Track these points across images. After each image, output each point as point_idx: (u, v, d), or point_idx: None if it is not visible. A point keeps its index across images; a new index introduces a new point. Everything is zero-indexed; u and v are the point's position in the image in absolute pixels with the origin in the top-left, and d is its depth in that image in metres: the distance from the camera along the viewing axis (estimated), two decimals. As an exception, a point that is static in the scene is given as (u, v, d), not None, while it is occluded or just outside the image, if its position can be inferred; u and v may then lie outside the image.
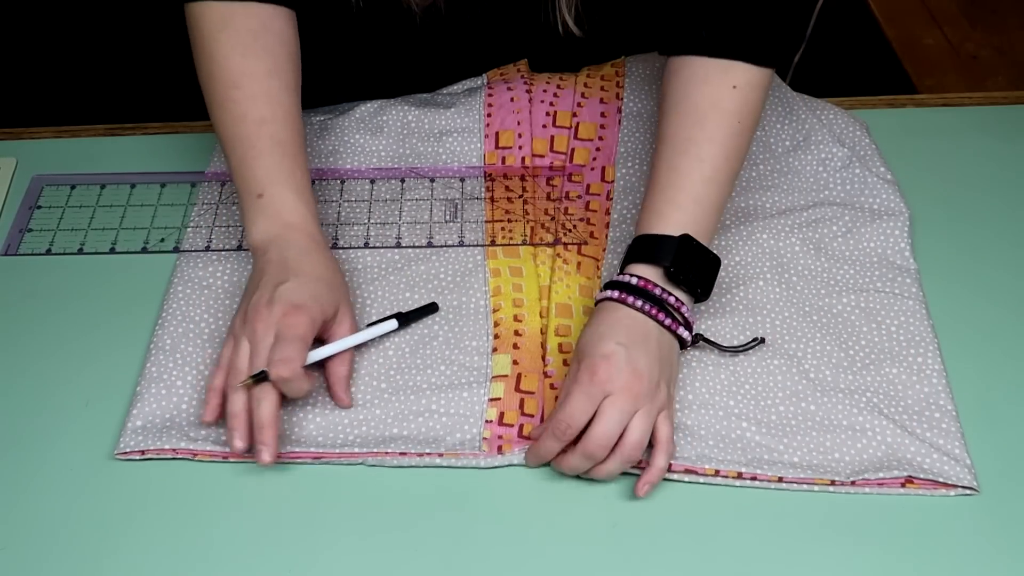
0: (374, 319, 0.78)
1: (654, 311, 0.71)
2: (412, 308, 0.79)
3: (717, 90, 0.75)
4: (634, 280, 0.72)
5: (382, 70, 0.98)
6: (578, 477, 0.70)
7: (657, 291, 0.72)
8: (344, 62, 0.87)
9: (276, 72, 0.78)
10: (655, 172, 0.76)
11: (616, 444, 0.67)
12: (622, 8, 0.87)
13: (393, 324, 0.77)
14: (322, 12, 0.83)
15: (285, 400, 0.73)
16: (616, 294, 0.72)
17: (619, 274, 0.74)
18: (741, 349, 0.76)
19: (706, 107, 0.75)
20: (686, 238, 0.73)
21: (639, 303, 0.71)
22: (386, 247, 0.84)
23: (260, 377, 0.69)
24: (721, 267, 0.80)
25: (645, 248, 0.74)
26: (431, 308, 0.79)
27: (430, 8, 0.83)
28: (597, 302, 0.74)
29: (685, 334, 0.72)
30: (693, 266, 0.73)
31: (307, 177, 0.78)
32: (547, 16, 0.82)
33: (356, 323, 0.76)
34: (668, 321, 0.71)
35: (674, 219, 0.74)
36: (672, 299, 0.72)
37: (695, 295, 0.74)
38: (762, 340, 0.77)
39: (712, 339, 0.76)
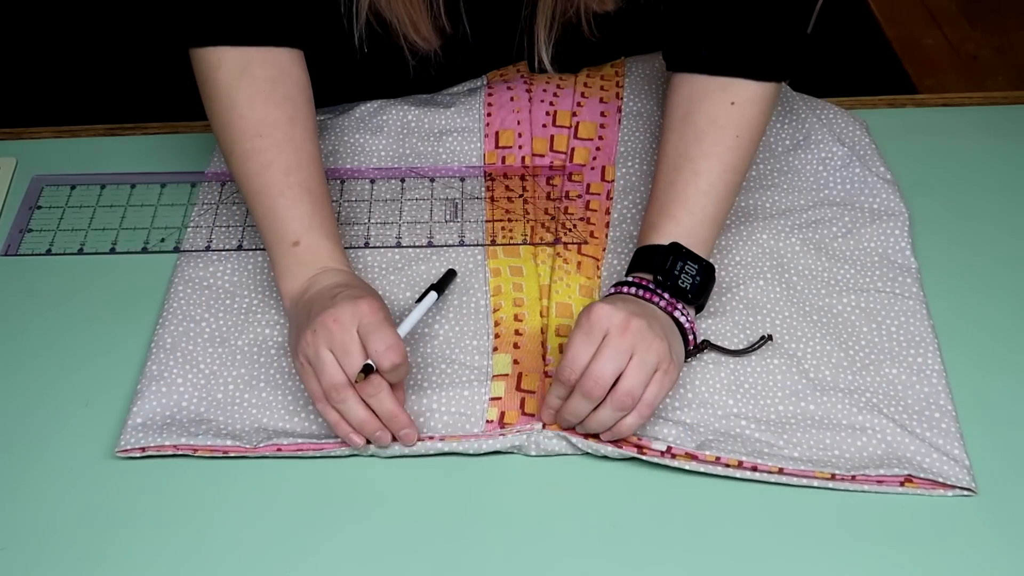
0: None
1: (647, 295, 0.73)
2: (433, 282, 0.79)
3: (715, 107, 0.77)
4: (631, 278, 0.75)
5: (383, 70, 0.98)
6: (576, 479, 0.70)
7: (651, 286, 0.73)
8: (344, 62, 0.87)
9: (297, 119, 0.78)
10: (654, 189, 0.78)
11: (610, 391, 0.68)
12: (615, 32, 0.88)
13: (433, 296, 0.77)
14: (325, 44, 0.84)
15: (287, 399, 0.73)
16: (614, 289, 0.74)
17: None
18: (750, 350, 0.76)
19: (704, 124, 0.77)
20: (675, 246, 0.74)
21: (635, 292, 0.73)
22: (386, 247, 0.84)
23: (368, 369, 0.66)
24: (721, 267, 0.80)
25: (639, 261, 0.76)
26: (452, 275, 0.80)
27: (423, 59, 0.84)
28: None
29: (682, 319, 0.73)
30: (682, 272, 0.73)
31: (335, 223, 0.78)
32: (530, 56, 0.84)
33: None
34: (663, 303, 0.72)
35: (666, 230, 0.75)
36: (663, 303, 0.73)
37: (687, 302, 0.74)
38: (769, 337, 0.77)
39: (718, 343, 0.76)
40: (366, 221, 0.86)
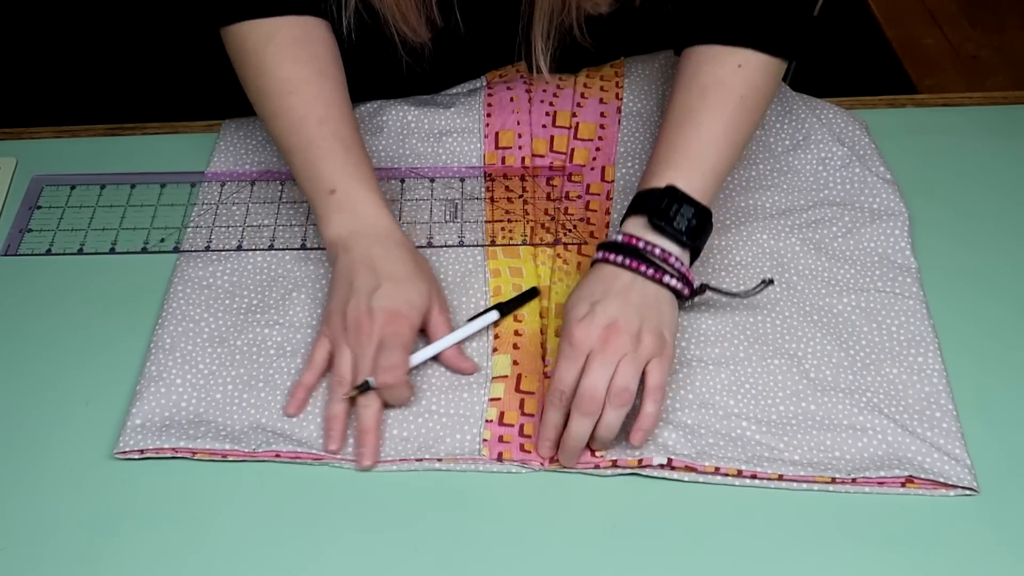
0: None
1: (634, 264, 0.72)
2: (511, 297, 0.79)
3: (721, 68, 0.77)
4: (620, 237, 0.74)
5: (382, 70, 0.98)
6: (576, 479, 0.70)
7: (640, 244, 0.73)
8: (344, 62, 0.87)
9: (327, 74, 0.80)
10: (658, 140, 0.78)
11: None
12: (611, 36, 0.89)
13: (494, 316, 0.78)
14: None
15: (286, 399, 0.73)
16: (601, 253, 0.74)
17: (613, 234, 0.76)
18: (751, 293, 0.77)
19: (709, 82, 0.77)
20: (670, 188, 0.74)
21: (619, 259, 0.72)
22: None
23: (364, 387, 0.71)
24: (721, 267, 0.80)
25: (636, 203, 0.75)
26: (531, 294, 0.79)
27: (415, 52, 0.84)
28: (592, 263, 0.76)
29: (673, 283, 0.73)
30: (677, 214, 0.73)
31: (372, 171, 0.79)
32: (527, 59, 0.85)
33: (449, 312, 0.77)
34: (651, 271, 0.72)
35: (665, 175, 0.75)
36: (657, 251, 0.72)
37: (682, 244, 0.74)
38: (771, 281, 0.77)
39: (718, 289, 0.77)
40: None
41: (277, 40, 0.79)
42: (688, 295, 0.74)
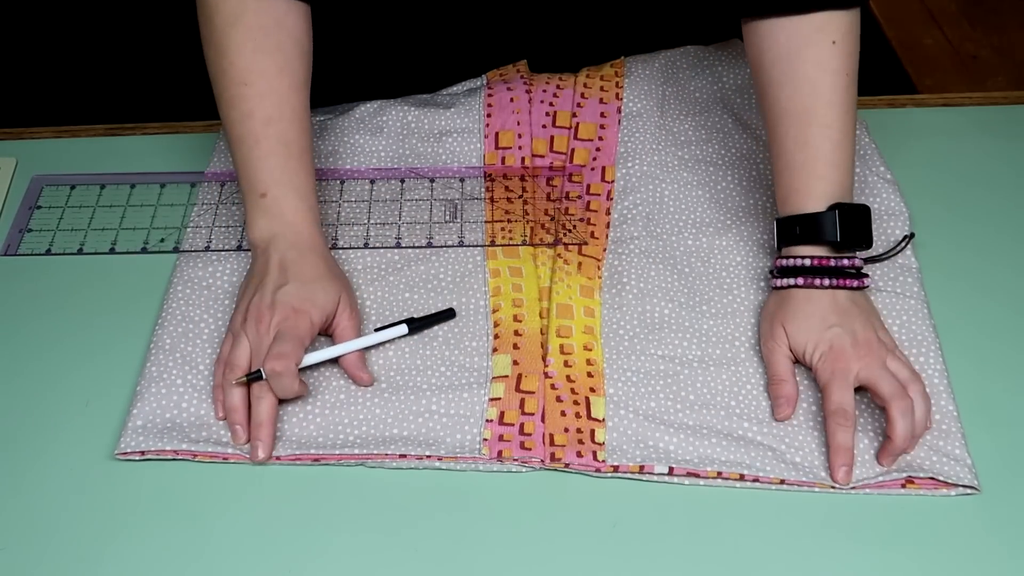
0: (375, 320, 0.78)
1: (842, 282, 0.74)
2: (426, 314, 0.78)
3: (820, 52, 0.75)
4: (808, 262, 0.74)
5: (383, 70, 0.98)
6: (576, 479, 0.70)
7: (833, 263, 0.74)
8: (344, 62, 0.87)
9: (287, 70, 0.78)
10: (784, 149, 0.76)
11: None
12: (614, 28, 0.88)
13: (403, 330, 0.77)
14: (327, 8, 0.84)
15: (285, 401, 0.73)
16: (801, 280, 0.74)
17: (783, 257, 0.76)
18: (894, 253, 0.81)
19: (814, 72, 0.75)
20: (836, 207, 0.74)
21: (826, 282, 0.74)
22: (386, 247, 0.84)
23: (255, 376, 0.70)
24: (723, 268, 0.80)
25: (804, 229, 0.75)
26: (447, 315, 0.78)
27: (414, 49, 0.84)
28: (775, 288, 0.76)
29: (868, 283, 0.76)
30: (854, 227, 0.75)
31: (311, 178, 0.78)
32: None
33: (359, 318, 0.77)
34: (856, 283, 0.74)
35: (819, 190, 0.75)
36: (846, 262, 0.75)
37: (866, 246, 0.76)
38: (912, 235, 0.81)
39: (872, 256, 0.80)
40: (366, 221, 0.86)
41: (243, 23, 0.77)
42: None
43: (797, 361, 0.75)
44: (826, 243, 0.75)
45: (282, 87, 0.77)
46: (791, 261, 0.75)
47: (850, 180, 0.76)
